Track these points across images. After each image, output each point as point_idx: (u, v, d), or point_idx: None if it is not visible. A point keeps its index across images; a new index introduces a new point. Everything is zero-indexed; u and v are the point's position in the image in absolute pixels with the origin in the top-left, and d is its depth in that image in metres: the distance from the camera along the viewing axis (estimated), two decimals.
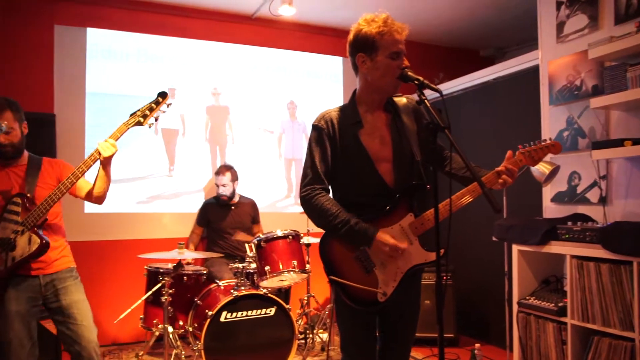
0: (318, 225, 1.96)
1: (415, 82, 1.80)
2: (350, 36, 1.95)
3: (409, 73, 1.85)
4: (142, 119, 2.46)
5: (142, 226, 4.54)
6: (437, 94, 1.70)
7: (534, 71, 3.77)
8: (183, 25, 4.73)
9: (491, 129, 4.31)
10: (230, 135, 4.93)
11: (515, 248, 3.28)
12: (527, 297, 3.20)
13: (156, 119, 2.52)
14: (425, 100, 1.73)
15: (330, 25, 5.19)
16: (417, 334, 2.10)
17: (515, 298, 3.27)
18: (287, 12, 4.54)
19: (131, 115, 2.47)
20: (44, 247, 2.42)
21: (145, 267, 3.69)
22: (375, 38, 1.86)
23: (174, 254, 3.41)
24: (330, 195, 1.99)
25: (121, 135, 2.45)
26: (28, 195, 2.45)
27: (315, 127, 1.99)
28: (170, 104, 2.54)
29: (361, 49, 1.90)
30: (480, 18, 5.01)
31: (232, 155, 4.88)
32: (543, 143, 1.93)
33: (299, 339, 3.88)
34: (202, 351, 3.17)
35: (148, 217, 4.56)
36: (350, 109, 2.00)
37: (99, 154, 2.40)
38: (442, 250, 1.64)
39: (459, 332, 4.33)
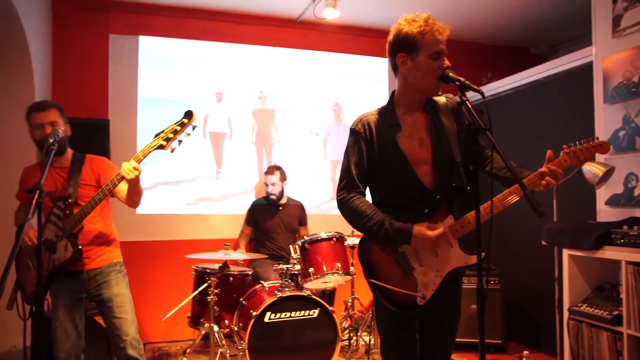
0: (354, 227, 1.96)
1: (457, 82, 1.77)
2: (391, 36, 1.93)
3: (450, 74, 1.82)
4: (164, 143, 2.38)
5: (190, 227, 4.66)
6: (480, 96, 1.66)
7: (587, 68, 3.61)
8: (229, 31, 4.84)
9: (542, 129, 4.15)
10: (276, 138, 4.99)
11: (566, 253, 3.15)
12: (579, 304, 3.07)
13: (180, 142, 2.42)
14: (467, 102, 1.69)
15: (374, 27, 5.17)
16: (462, 340, 2.07)
17: (566, 305, 3.15)
18: (331, 15, 4.56)
19: (155, 136, 2.41)
20: (77, 255, 2.51)
21: (193, 267, 3.80)
22: (416, 37, 1.84)
23: (220, 255, 3.49)
24: (368, 198, 1.98)
25: (144, 157, 2.41)
26: (69, 200, 2.55)
27: (352, 131, 1.99)
28: (195, 126, 2.42)
29: (402, 48, 1.88)
30: (530, 15, 4.85)
31: (278, 157, 4.94)
32: (589, 142, 1.84)
33: (343, 341, 3.88)
34: (247, 350, 3.22)
35: (196, 219, 4.69)
36: (388, 112, 1.98)
37: (122, 177, 2.41)
38: (482, 254, 1.60)
39: (507, 338, 4.20)
